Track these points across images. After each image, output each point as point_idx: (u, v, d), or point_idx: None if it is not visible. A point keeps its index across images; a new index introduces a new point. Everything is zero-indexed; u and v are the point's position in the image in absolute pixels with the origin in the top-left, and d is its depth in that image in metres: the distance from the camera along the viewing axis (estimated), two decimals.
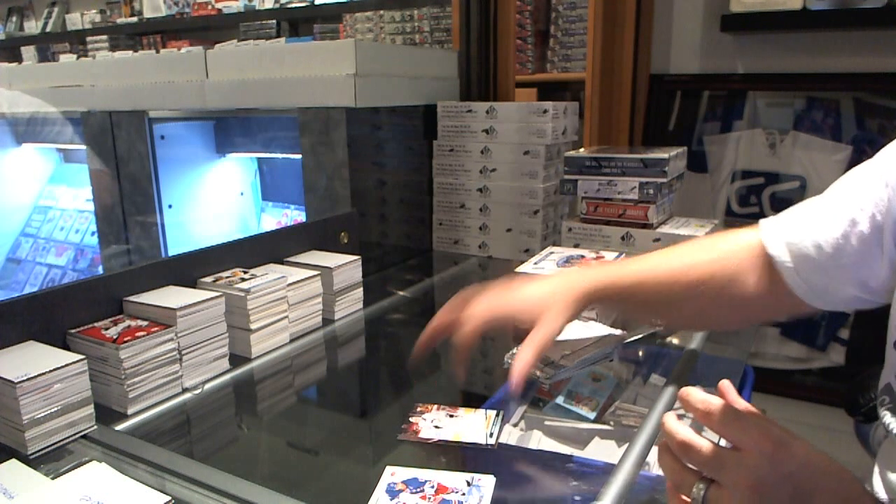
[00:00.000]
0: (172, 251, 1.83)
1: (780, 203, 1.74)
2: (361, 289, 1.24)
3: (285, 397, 1.00)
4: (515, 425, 0.85)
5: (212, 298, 0.95)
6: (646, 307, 0.83)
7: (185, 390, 0.92)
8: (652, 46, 1.87)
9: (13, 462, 0.72)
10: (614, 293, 0.79)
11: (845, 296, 0.70)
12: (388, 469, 0.69)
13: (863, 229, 0.66)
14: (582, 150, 1.46)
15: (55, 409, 0.75)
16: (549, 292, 0.78)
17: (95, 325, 0.88)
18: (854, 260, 0.67)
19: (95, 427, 0.80)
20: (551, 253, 1.21)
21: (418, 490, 0.66)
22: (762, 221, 0.77)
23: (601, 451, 0.81)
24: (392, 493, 0.65)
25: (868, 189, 0.67)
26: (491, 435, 0.78)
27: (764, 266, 0.74)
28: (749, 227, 0.79)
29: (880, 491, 0.70)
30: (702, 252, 0.79)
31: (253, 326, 1.02)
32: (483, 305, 0.79)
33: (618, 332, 0.93)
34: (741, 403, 0.57)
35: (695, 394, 0.56)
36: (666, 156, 1.29)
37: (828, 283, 0.70)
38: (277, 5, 3.13)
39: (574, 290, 0.77)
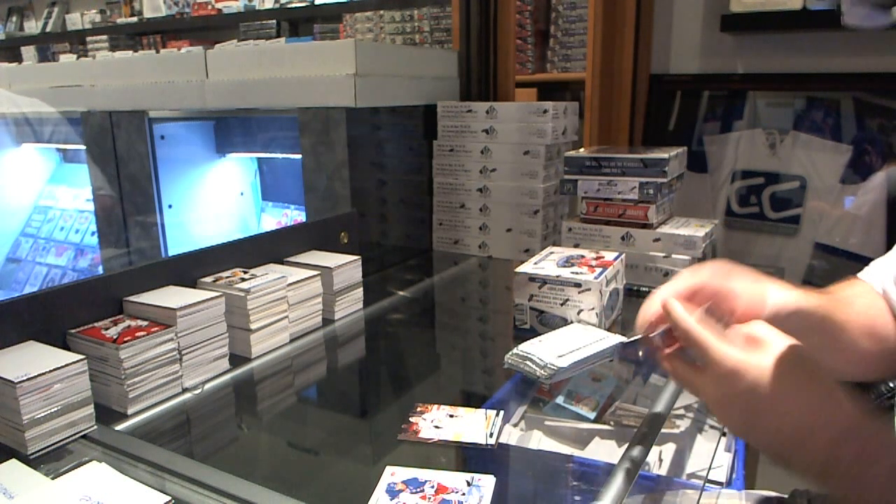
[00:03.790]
0: (172, 251, 1.83)
1: (780, 203, 1.74)
2: (361, 289, 1.24)
3: (285, 397, 1.00)
4: (515, 425, 0.85)
5: (212, 298, 0.95)
6: (826, 344, 0.78)
7: (185, 390, 0.92)
8: (652, 46, 1.87)
9: (13, 462, 0.72)
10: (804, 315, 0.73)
11: None
12: (388, 469, 0.69)
13: None
14: (582, 150, 1.46)
15: (55, 409, 0.75)
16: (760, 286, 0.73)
17: (95, 325, 0.88)
18: None
19: (95, 427, 0.80)
20: (551, 253, 1.21)
21: (418, 490, 0.66)
22: (861, 273, 0.82)
23: (601, 451, 0.80)
24: (392, 493, 0.65)
25: None
26: (491, 435, 0.78)
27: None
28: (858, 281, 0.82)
29: None
30: (850, 290, 0.80)
31: (253, 326, 1.02)
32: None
33: (617, 335, 0.93)
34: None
35: (676, 310, 0.63)
36: (666, 156, 1.29)
37: None
38: (277, 5, 3.13)
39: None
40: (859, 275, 0.82)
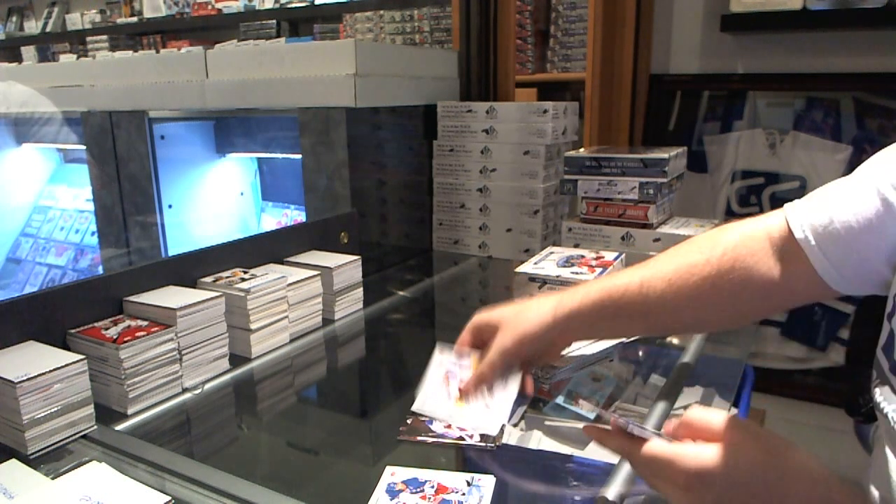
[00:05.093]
0: (172, 251, 1.83)
1: (780, 203, 1.74)
2: (361, 289, 1.24)
3: (285, 397, 1.00)
4: (515, 425, 0.85)
5: (212, 298, 0.95)
6: (647, 320, 0.78)
7: (185, 390, 0.92)
8: (652, 46, 1.87)
9: (13, 462, 0.72)
10: (606, 310, 0.76)
11: (879, 277, 0.67)
12: (388, 469, 0.69)
13: (894, 205, 0.63)
14: (582, 150, 1.46)
15: (55, 409, 0.75)
16: (528, 306, 0.79)
17: (95, 325, 0.88)
18: (886, 237, 0.64)
19: (95, 427, 0.80)
20: (551, 253, 1.21)
21: (418, 490, 0.66)
22: (787, 205, 0.74)
23: (601, 451, 0.80)
24: (392, 493, 0.65)
25: None
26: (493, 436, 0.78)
27: (785, 250, 0.71)
28: (751, 219, 0.77)
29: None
30: (715, 244, 0.75)
31: (253, 326, 1.02)
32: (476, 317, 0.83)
33: None
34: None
35: (613, 441, 0.60)
36: (666, 156, 1.29)
37: (856, 263, 0.67)
38: (277, 5, 3.13)
39: (553, 310, 0.77)
40: (787, 217, 0.73)
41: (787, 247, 0.71)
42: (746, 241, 0.74)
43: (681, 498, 0.54)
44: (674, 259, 0.76)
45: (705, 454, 0.53)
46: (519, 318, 0.78)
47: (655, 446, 0.56)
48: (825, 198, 0.71)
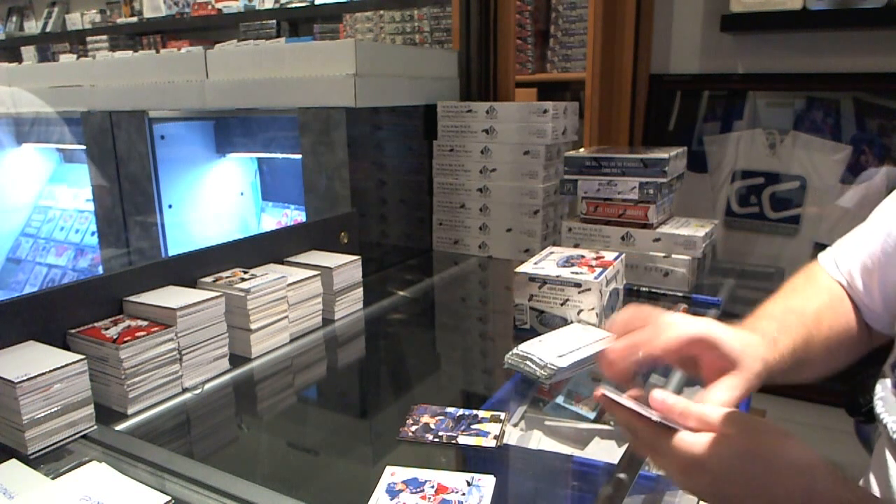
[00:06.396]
0: (172, 251, 1.83)
1: (780, 203, 1.74)
2: (361, 289, 1.24)
3: (285, 397, 1.00)
4: (515, 425, 0.85)
5: (212, 298, 0.95)
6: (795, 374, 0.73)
7: (185, 390, 0.92)
8: (652, 46, 1.87)
9: (13, 462, 0.72)
10: (777, 371, 0.67)
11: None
12: (388, 469, 0.69)
13: None
14: (582, 150, 1.46)
15: (55, 409, 0.75)
16: (753, 340, 0.65)
17: (95, 325, 0.88)
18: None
19: (95, 427, 0.80)
20: (551, 253, 1.21)
21: (418, 490, 0.66)
22: (820, 255, 0.80)
23: (601, 451, 0.80)
24: (392, 493, 0.65)
25: None
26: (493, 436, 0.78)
27: (852, 302, 0.75)
28: (819, 271, 0.80)
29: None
30: (817, 298, 0.76)
31: (253, 326, 1.02)
32: (689, 325, 0.64)
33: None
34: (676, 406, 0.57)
35: (622, 413, 0.59)
36: (666, 156, 1.29)
37: (882, 303, 0.70)
38: (277, 5, 3.13)
39: (760, 361, 0.64)
40: (820, 261, 0.78)
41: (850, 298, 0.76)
42: (830, 288, 0.78)
43: (680, 480, 0.57)
44: (803, 305, 0.75)
45: (697, 444, 0.54)
46: (747, 357, 0.63)
47: (658, 431, 0.57)
48: (849, 241, 0.77)
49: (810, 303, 0.75)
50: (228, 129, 1.90)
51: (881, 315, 0.72)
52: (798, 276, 0.80)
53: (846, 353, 0.76)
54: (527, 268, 1.13)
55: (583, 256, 1.18)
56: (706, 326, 0.62)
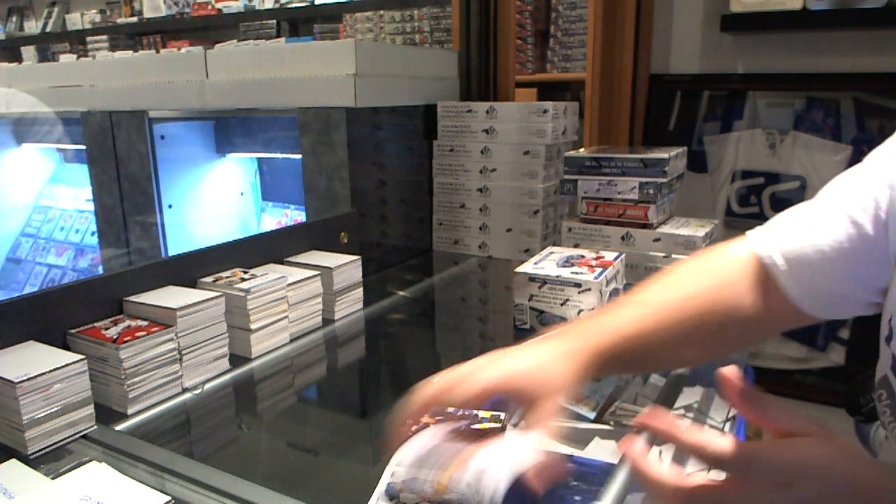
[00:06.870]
0: (172, 251, 1.83)
1: (780, 203, 1.74)
2: (361, 289, 1.24)
3: (285, 397, 1.00)
4: (515, 425, 0.85)
5: (212, 298, 0.95)
6: (649, 362, 0.75)
7: (185, 390, 0.92)
8: (652, 46, 1.87)
9: (13, 462, 0.72)
10: (617, 359, 0.68)
11: (856, 301, 0.67)
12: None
13: (867, 230, 0.63)
14: (582, 150, 1.46)
15: (55, 409, 0.75)
16: (548, 360, 0.67)
17: (95, 325, 0.88)
18: (861, 262, 0.64)
19: (95, 427, 0.80)
20: (551, 253, 1.21)
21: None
22: (749, 232, 0.74)
23: (601, 451, 0.80)
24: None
25: (867, 189, 0.66)
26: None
27: (759, 280, 0.70)
28: (734, 240, 0.75)
29: None
30: (694, 280, 0.73)
31: (253, 326, 1.02)
32: (486, 373, 0.68)
33: None
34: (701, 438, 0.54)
35: (649, 465, 0.55)
36: (666, 156, 1.29)
37: (832, 288, 0.66)
38: (277, 5, 3.13)
39: (576, 362, 0.66)
40: (751, 245, 0.73)
41: (762, 276, 0.70)
42: (729, 268, 0.73)
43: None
44: (670, 288, 0.74)
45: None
46: (544, 384, 0.65)
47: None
48: (793, 224, 0.71)
49: (680, 280, 0.73)
50: (228, 129, 1.90)
51: (825, 302, 0.68)
52: (706, 254, 0.77)
53: (739, 333, 0.72)
54: (527, 268, 1.13)
55: (583, 256, 1.18)
56: (495, 377, 0.66)
